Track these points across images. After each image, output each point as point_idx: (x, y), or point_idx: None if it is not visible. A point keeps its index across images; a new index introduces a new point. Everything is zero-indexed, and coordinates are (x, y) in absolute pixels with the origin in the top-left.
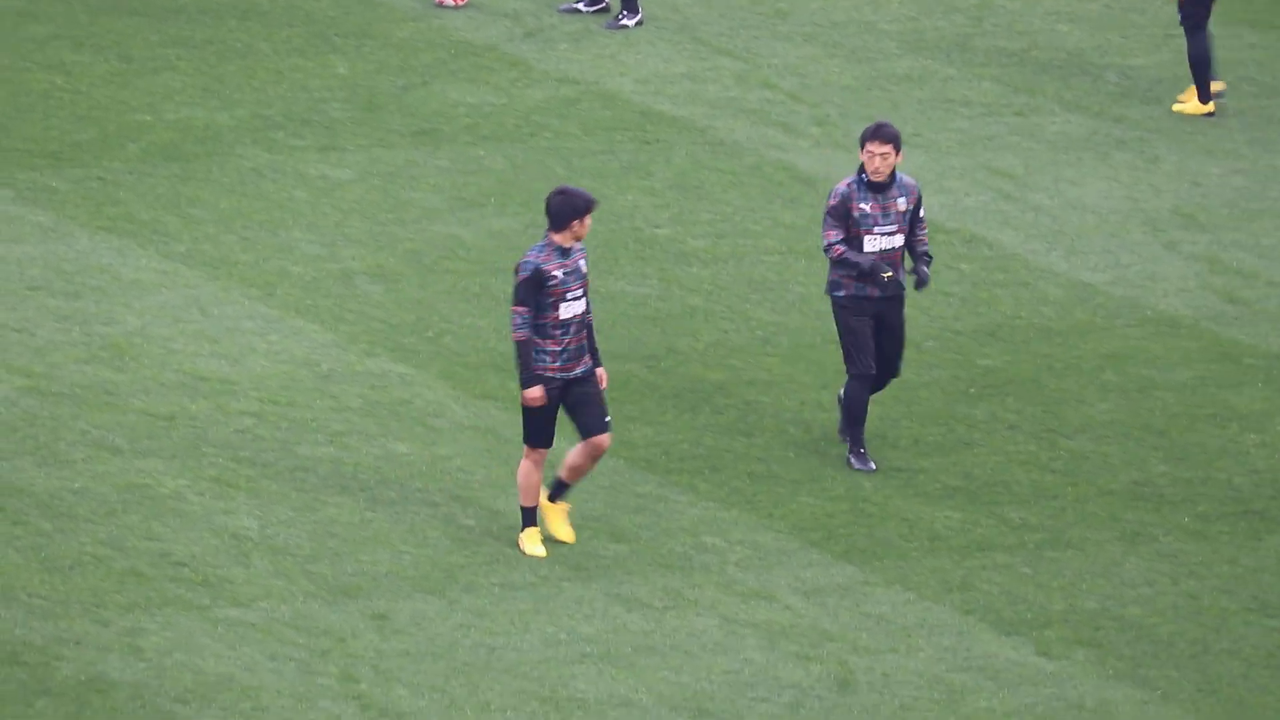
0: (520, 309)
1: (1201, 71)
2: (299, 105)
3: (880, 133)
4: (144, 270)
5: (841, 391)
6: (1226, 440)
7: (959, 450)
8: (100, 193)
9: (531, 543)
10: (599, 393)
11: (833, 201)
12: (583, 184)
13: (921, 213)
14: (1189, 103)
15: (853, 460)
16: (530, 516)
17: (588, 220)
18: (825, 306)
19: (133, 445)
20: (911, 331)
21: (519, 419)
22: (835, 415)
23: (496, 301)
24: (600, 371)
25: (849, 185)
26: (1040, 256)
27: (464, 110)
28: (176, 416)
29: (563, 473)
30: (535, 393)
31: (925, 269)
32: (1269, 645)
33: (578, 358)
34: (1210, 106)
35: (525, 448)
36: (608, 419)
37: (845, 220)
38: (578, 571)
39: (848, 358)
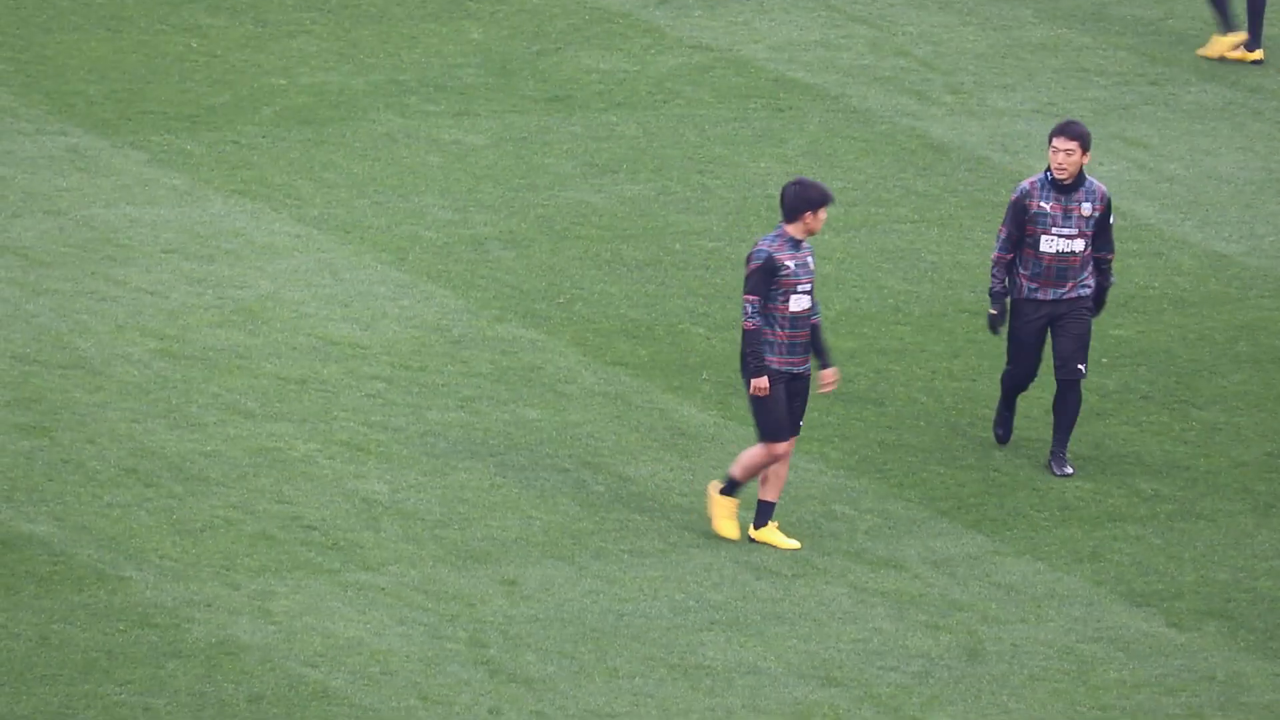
0: (751, 298)
1: (1256, 14)
2: (433, 70)
3: (1067, 129)
4: (277, 234)
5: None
6: None
7: (1091, 420)
8: (234, 156)
9: (776, 537)
10: (805, 397)
11: (1013, 196)
12: (715, 151)
13: (1111, 220)
14: (1225, 43)
15: (997, 430)
16: (766, 511)
17: (822, 214)
18: (957, 275)
19: (264, 409)
20: None
21: (649, 385)
22: (965, 385)
23: (628, 268)
24: (833, 370)
25: (1032, 182)
26: (1174, 227)
27: (597, 76)
28: (308, 380)
29: (736, 470)
30: (762, 382)
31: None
32: None
33: (803, 353)
34: (1260, 54)
35: (763, 445)
36: (799, 423)
37: (1022, 218)
38: (707, 539)
39: (1008, 353)
